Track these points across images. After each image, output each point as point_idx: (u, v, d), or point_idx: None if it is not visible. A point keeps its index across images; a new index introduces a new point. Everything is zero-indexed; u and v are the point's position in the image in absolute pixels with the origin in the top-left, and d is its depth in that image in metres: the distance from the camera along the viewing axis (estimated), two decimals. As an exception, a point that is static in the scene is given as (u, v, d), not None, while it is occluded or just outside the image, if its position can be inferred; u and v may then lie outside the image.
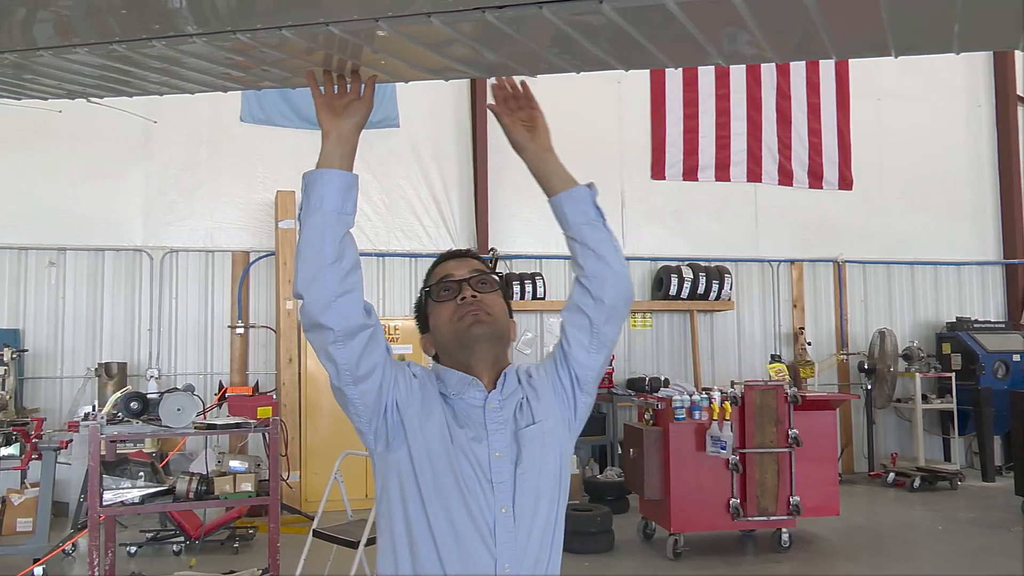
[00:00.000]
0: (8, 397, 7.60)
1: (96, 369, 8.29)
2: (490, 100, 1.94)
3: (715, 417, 6.37)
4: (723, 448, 6.30)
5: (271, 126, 9.17)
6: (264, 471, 5.12)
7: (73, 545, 6.52)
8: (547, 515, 1.68)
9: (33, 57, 1.75)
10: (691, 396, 6.51)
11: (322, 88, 1.75)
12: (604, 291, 1.78)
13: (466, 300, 1.72)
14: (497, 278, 1.84)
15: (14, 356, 7.81)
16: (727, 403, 6.41)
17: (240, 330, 8.93)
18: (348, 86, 1.75)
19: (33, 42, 1.68)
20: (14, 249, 8.53)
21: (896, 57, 1.67)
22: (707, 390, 6.65)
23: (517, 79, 1.90)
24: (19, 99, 2.30)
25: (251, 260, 9.09)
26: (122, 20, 1.53)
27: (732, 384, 6.78)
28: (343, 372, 1.62)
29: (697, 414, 6.44)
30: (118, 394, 5.43)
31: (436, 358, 1.82)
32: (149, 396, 5.12)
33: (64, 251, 8.64)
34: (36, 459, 6.32)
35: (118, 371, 8.15)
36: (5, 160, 8.51)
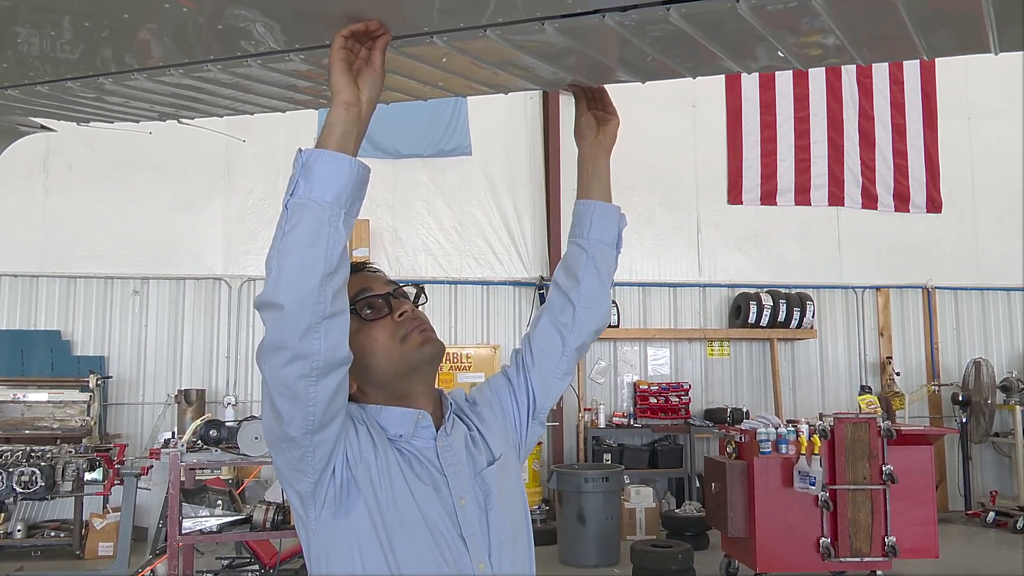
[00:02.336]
0: (93, 423, 7.80)
1: (176, 396, 8.45)
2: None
3: (803, 451, 6.07)
4: (812, 484, 5.98)
5: (346, 156, 9.27)
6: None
7: (152, 572, 6.57)
8: (524, 562, 1.48)
9: (127, 81, 1.72)
10: (777, 429, 6.22)
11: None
12: (591, 314, 1.64)
13: (407, 315, 1.46)
14: (415, 290, 1.59)
15: (99, 383, 8.02)
16: (816, 436, 6.10)
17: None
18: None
19: (128, 64, 1.65)
20: (101, 278, 8.81)
21: (997, 54, 1.48)
22: (793, 422, 6.36)
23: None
24: (112, 122, 2.30)
25: (326, 288, 9.17)
26: (217, 38, 1.48)
27: (820, 416, 6.45)
28: (309, 416, 1.28)
29: (784, 448, 6.15)
30: (198, 422, 5.47)
31: (351, 398, 1.45)
32: (227, 424, 5.14)
33: (147, 280, 8.87)
34: (118, 484, 6.44)
35: (197, 398, 8.28)
36: (95, 193, 8.82)
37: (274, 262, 1.23)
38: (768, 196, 10.20)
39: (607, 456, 8.89)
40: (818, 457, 6.03)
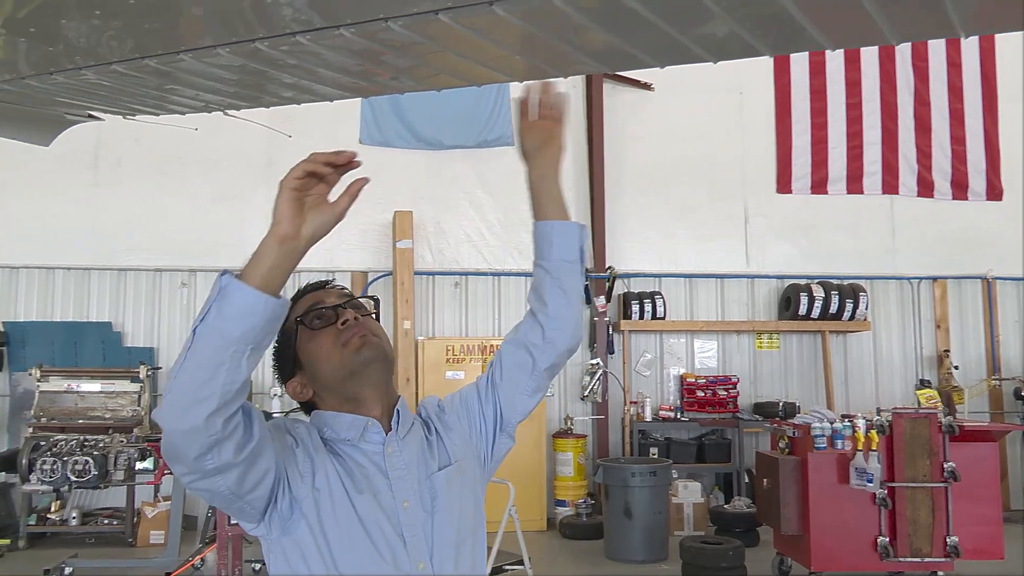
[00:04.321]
0: (144, 413, 7.91)
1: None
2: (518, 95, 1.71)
3: (860, 447, 5.87)
4: (869, 481, 5.78)
5: (389, 147, 9.26)
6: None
7: (202, 560, 6.64)
8: (471, 564, 1.53)
9: (174, 62, 1.67)
10: (832, 424, 6.04)
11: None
12: (560, 335, 1.64)
13: (348, 323, 1.53)
14: (370, 302, 1.64)
15: (149, 373, 8.13)
16: (873, 432, 5.90)
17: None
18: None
19: (175, 45, 1.60)
20: (149, 271, 8.92)
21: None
22: (849, 417, 6.16)
23: (556, 87, 1.70)
24: (158, 114, 2.25)
25: (369, 280, 9.17)
26: (265, 13, 1.42)
27: (877, 411, 6.24)
28: (228, 496, 1.35)
29: (839, 443, 5.96)
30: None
31: (307, 405, 1.60)
32: (274, 414, 5.14)
33: (195, 272, 8.96)
34: (168, 474, 6.50)
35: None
36: (143, 186, 8.92)
37: (173, 382, 1.25)
38: (818, 185, 9.94)
39: (653, 450, 8.76)
40: (876, 453, 5.83)
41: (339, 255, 9.13)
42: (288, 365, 1.58)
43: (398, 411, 1.57)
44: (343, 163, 1.32)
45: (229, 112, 2.27)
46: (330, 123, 8.97)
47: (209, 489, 1.33)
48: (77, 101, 2.03)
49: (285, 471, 1.43)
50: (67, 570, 6.30)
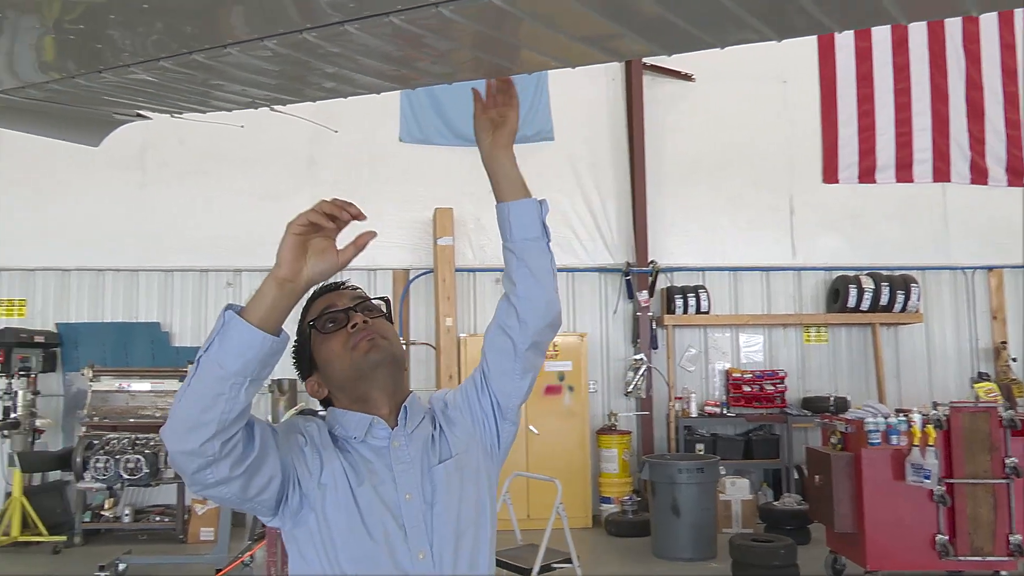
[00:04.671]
0: (192, 412, 8.01)
1: (269, 385, 8.60)
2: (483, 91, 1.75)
3: (916, 443, 5.70)
4: (927, 478, 5.62)
5: (428, 145, 9.27)
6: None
7: (251, 557, 6.70)
8: (471, 554, 1.57)
9: (221, 56, 1.64)
10: (886, 418, 5.87)
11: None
12: (533, 315, 1.65)
13: (357, 327, 1.59)
14: (382, 303, 1.70)
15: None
16: (929, 427, 5.73)
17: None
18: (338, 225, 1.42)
19: (222, 38, 1.57)
20: (196, 271, 9.04)
21: None
22: (904, 412, 5.99)
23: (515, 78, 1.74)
24: (205, 111, 2.24)
25: (411, 277, 9.19)
26: (313, 2, 1.38)
27: (934, 405, 6.05)
28: (228, 503, 1.46)
29: (894, 439, 5.80)
30: (291, 411, 5.52)
31: (326, 402, 1.68)
32: (320, 413, 5.15)
33: (239, 272, 9.06)
34: (217, 472, 6.57)
35: (289, 387, 8.40)
36: (188, 187, 9.05)
37: (176, 407, 1.33)
38: (866, 173, 9.70)
39: (699, 446, 8.63)
40: (933, 449, 5.66)
41: (380, 253, 9.15)
42: (305, 365, 1.67)
43: (405, 407, 1.62)
44: (346, 218, 1.39)
45: (275, 108, 2.24)
46: (371, 121, 9.02)
47: (216, 496, 1.41)
48: (125, 99, 2.02)
49: (295, 470, 1.51)
50: (121, 566, 6.42)
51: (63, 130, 2.36)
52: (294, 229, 1.37)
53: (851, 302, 9.10)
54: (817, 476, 6.18)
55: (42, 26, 1.58)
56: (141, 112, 2.25)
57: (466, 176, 9.16)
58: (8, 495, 7.60)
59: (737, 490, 8.00)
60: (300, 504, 1.51)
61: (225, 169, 9.09)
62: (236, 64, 1.69)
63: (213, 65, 1.71)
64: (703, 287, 9.21)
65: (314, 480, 1.51)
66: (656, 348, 9.20)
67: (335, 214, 1.37)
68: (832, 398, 8.43)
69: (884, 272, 9.26)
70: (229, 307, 1.33)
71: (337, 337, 1.60)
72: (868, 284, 9.12)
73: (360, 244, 1.41)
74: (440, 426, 1.67)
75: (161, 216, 8.99)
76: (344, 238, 1.45)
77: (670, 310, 9.10)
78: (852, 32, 9.76)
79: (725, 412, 8.98)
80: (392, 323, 1.70)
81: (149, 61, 1.72)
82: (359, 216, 1.40)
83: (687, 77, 9.54)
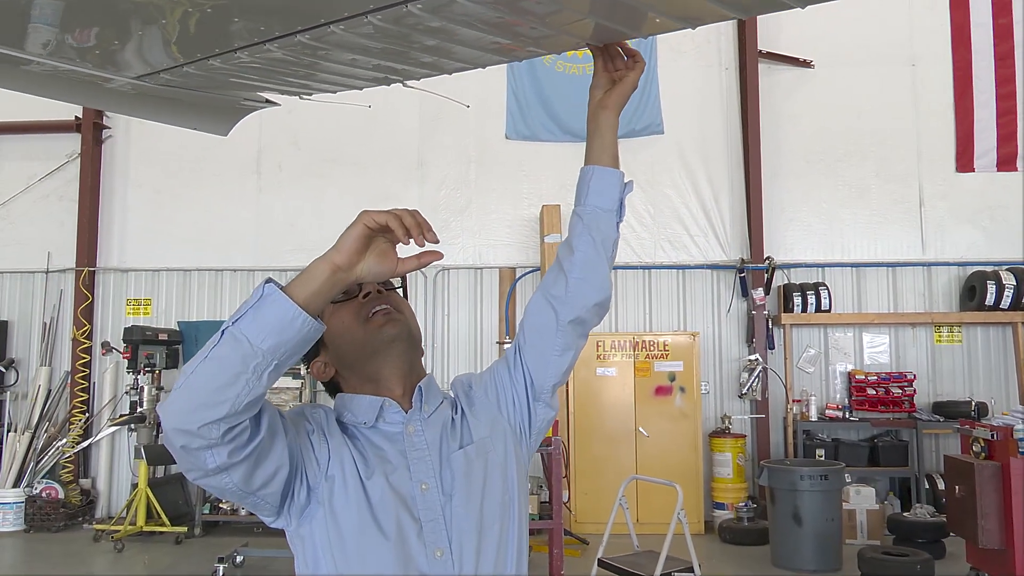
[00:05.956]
0: (305, 408, 8.20)
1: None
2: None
3: (1073, 453, 5.17)
4: (1086, 492, 5.08)
5: (535, 141, 9.17)
6: (543, 492, 4.89)
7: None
8: (497, 553, 1.39)
9: (324, 36, 1.56)
10: (1037, 426, 5.35)
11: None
12: (584, 285, 1.51)
13: (371, 296, 1.47)
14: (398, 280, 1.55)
15: (310, 370, 8.41)
16: (1089, 436, 5.18)
17: (508, 345, 8.95)
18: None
19: (325, 16, 1.49)
20: (309, 271, 9.26)
21: None
22: (1057, 419, 5.44)
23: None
24: (335, 91, 2.17)
25: (517, 276, 9.11)
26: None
27: (1093, 413, 5.48)
28: (230, 495, 1.31)
29: (1047, 448, 5.28)
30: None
31: (331, 386, 1.55)
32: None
33: (350, 271, 9.21)
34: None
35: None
36: (302, 189, 9.29)
37: (187, 379, 1.19)
38: (1006, 161, 8.96)
39: (820, 451, 8.17)
40: (1093, 460, 5.12)
41: (486, 251, 9.14)
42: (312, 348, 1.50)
43: (420, 388, 1.49)
44: (420, 242, 1.30)
45: (408, 84, 2.13)
46: (478, 119, 9.01)
47: (216, 486, 1.28)
48: (255, 81, 1.97)
49: (302, 461, 1.37)
50: (238, 558, 6.61)
51: (194, 119, 2.34)
52: (368, 221, 1.28)
53: (989, 299, 8.42)
54: (958, 487, 5.70)
55: (179, 6, 1.53)
56: (269, 98, 2.21)
57: (573, 172, 8.92)
58: (134, 486, 7.98)
59: (862, 499, 7.52)
60: (307, 499, 1.37)
61: (337, 171, 9.28)
62: (341, 44, 1.61)
63: (318, 47, 1.63)
64: (823, 284, 8.73)
65: (321, 471, 1.38)
66: (772, 348, 8.78)
67: (412, 232, 1.28)
68: (973, 403, 7.80)
69: (1027, 267, 8.52)
70: (269, 280, 1.21)
71: (348, 307, 1.48)
72: (1008, 280, 8.41)
73: (424, 262, 1.32)
74: (462, 409, 1.52)
75: (277, 218, 9.27)
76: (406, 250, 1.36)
77: (787, 308, 8.66)
78: (990, 9, 9.04)
79: (848, 416, 8.48)
80: (407, 299, 1.58)
81: (255, 45, 1.66)
82: (434, 242, 1.31)
83: (806, 63, 9.07)
